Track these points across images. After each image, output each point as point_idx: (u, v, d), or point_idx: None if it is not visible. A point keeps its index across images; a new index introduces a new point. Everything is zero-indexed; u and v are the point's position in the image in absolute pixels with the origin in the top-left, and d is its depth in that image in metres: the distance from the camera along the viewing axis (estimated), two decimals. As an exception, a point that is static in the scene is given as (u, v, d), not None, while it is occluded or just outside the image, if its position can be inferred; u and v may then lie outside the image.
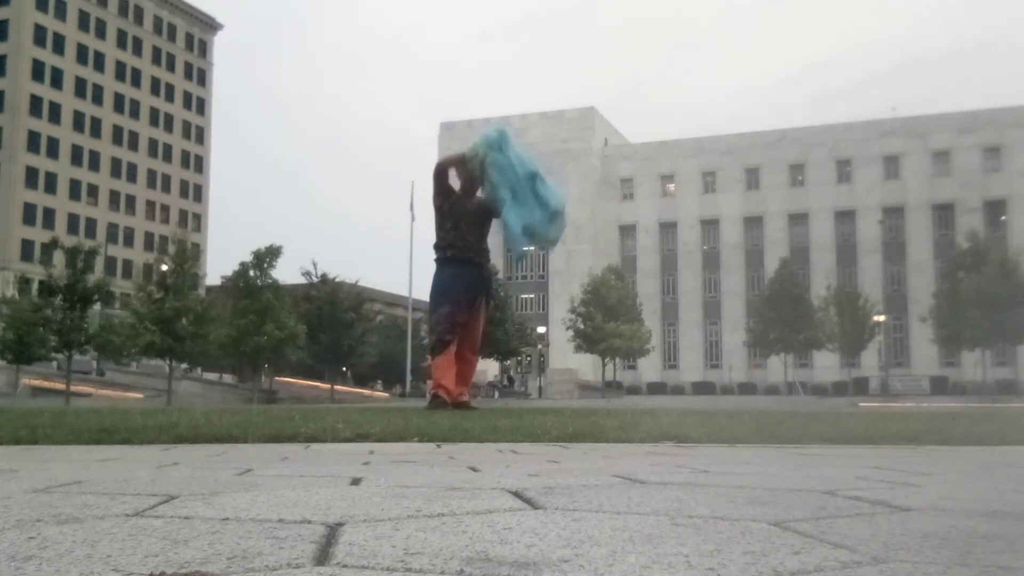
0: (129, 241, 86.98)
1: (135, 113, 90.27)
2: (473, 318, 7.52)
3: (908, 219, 63.57)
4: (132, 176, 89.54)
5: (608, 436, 3.67)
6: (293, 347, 42.89)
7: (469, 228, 7.60)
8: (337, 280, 52.41)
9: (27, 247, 74.75)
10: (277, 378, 52.63)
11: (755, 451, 3.10)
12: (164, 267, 40.37)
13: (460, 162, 7.90)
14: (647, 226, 69.15)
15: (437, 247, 7.69)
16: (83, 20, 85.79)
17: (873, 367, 54.92)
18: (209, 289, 61.78)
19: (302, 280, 52.23)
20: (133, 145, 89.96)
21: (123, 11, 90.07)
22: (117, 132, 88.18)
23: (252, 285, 41.91)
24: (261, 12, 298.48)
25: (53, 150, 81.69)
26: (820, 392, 53.16)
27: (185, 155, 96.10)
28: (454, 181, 7.95)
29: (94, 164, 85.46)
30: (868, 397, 42.66)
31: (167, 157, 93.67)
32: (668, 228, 69.17)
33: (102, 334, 39.70)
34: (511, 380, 57.77)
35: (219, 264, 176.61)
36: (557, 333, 58.46)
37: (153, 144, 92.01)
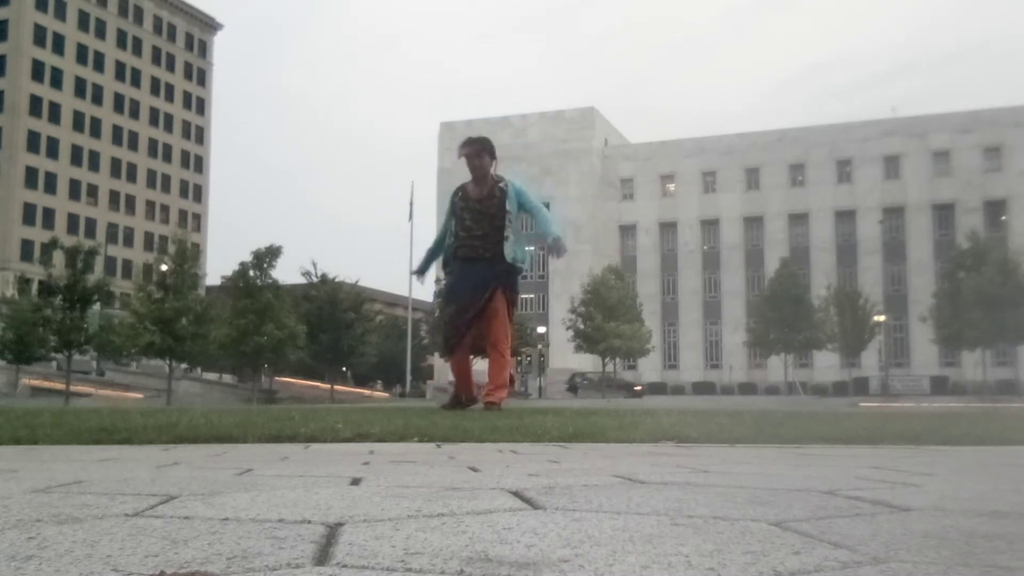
0: (129, 241, 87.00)
1: (135, 113, 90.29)
2: (489, 311, 7.21)
3: (908, 219, 63.57)
4: (132, 176, 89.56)
5: (608, 436, 3.67)
6: (293, 347, 42.90)
7: (476, 223, 7.23)
8: (337, 280, 52.44)
9: (27, 247, 74.78)
10: (277, 378, 52.68)
11: (755, 451, 3.10)
12: (164, 267, 40.38)
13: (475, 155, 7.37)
14: (647, 226, 69.13)
15: (448, 247, 7.46)
16: (83, 20, 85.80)
17: (873, 367, 54.93)
18: (209, 289, 61.77)
19: (302, 280, 52.27)
20: (133, 145, 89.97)
21: (123, 11, 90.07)
22: (117, 132, 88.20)
23: (252, 285, 41.92)
24: (261, 12, 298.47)
25: (53, 150, 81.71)
26: (820, 392, 53.17)
27: (185, 155, 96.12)
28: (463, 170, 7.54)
29: (94, 164, 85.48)
30: (868, 397, 42.68)
31: (167, 157, 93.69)
32: (668, 228, 69.16)
33: (102, 334, 39.71)
34: (511, 380, 57.69)
35: (219, 264, 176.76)
36: (557, 333, 58.46)
37: (153, 144, 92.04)
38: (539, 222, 7.57)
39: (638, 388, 52.56)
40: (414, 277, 7.84)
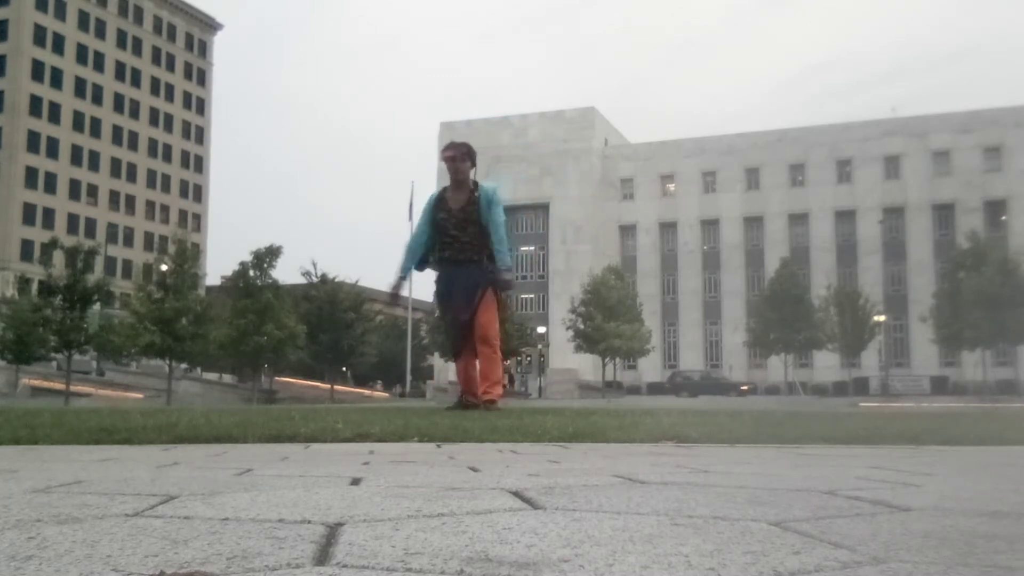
0: (129, 241, 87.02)
1: (135, 113, 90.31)
2: (479, 309, 7.25)
3: (908, 219, 63.55)
4: (132, 176, 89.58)
5: (608, 436, 3.67)
6: (293, 347, 42.91)
7: (461, 230, 7.24)
8: (337, 280, 52.42)
9: (27, 247, 74.80)
10: (277, 378, 52.68)
11: (755, 451, 3.10)
12: (164, 267, 40.40)
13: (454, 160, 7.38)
14: (647, 226, 69.10)
15: (430, 252, 7.41)
16: (83, 20, 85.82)
17: (873, 367, 54.90)
18: (209, 289, 61.76)
19: (302, 280, 52.25)
20: (133, 145, 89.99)
21: (123, 11, 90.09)
22: (117, 132, 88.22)
23: (252, 285, 41.94)
24: (261, 12, 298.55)
25: (53, 150, 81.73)
26: (820, 392, 53.13)
27: (185, 155, 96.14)
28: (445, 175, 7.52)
29: (94, 164, 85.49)
30: (868, 397, 42.64)
31: (167, 157, 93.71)
32: (668, 228, 69.13)
33: (102, 334, 39.72)
34: (511, 380, 57.76)
35: (219, 264, 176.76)
36: (557, 333, 58.44)
37: (153, 144, 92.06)
38: (495, 247, 7.43)
39: (745, 388, 49.57)
40: (401, 281, 7.67)
